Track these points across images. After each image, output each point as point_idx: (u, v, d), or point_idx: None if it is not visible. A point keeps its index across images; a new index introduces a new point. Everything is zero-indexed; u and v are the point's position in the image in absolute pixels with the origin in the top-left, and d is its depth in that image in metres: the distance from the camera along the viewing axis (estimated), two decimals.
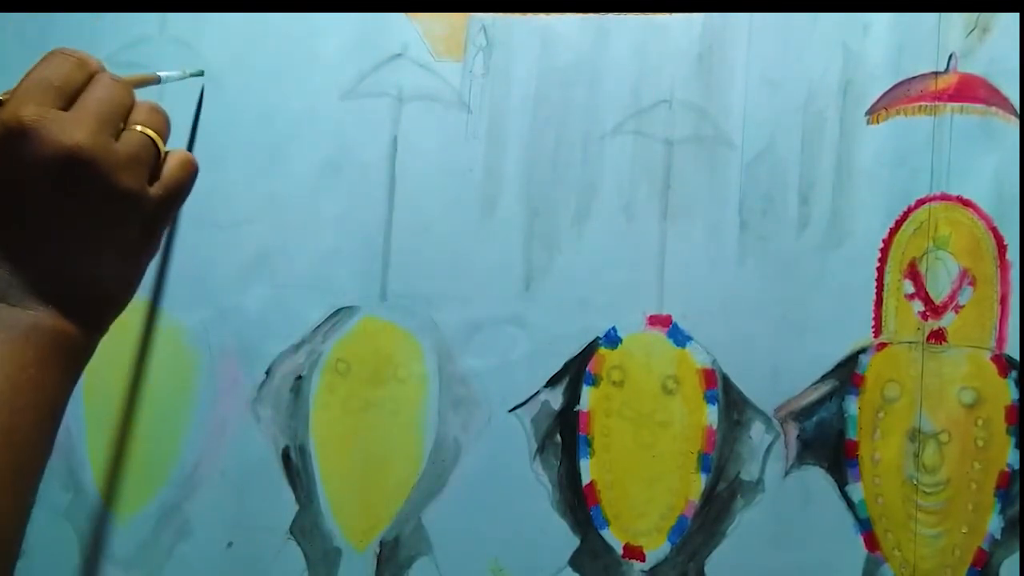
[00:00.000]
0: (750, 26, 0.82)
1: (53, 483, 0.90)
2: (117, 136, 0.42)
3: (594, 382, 0.82)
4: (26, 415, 0.39)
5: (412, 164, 0.87)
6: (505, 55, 0.86)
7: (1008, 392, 0.75)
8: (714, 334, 0.80)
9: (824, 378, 0.78)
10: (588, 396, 0.82)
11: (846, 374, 0.78)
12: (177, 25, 0.91)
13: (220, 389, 0.88)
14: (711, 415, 0.80)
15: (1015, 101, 0.76)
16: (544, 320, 0.83)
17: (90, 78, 0.42)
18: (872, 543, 0.77)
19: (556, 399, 0.83)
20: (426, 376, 0.85)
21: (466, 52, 0.86)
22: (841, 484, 0.77)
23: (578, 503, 0.82)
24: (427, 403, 0.85)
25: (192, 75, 0.48)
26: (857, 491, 0.77)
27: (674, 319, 0.81)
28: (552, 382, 0.83)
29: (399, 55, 0.88)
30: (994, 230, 0.76)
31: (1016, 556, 0.74)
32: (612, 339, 0.82)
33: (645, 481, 0.81)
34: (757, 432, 0.79)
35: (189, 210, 0.90)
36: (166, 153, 0.45)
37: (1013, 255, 0.76)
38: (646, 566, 0.80)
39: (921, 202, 0.78)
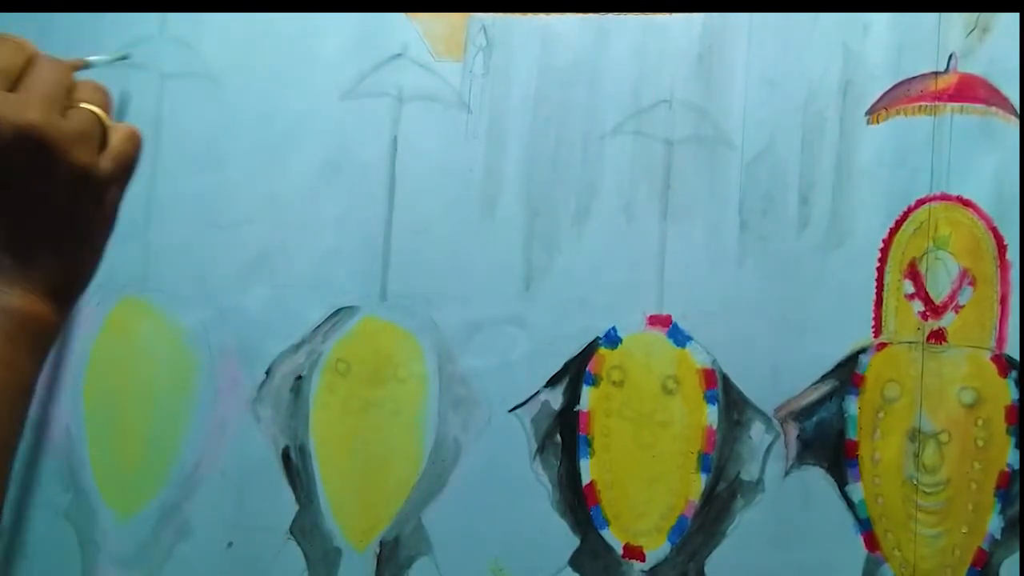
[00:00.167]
0: (750, 26, 0.82)
1: (53, 483, 0.90)
2: (64, 114, 0.43)
3: (594, 382, 0.82)
4: None
5: (412, 164, 0.87)
6: (505, 55, 0.86)
7: (1008, 392, 0.75)
8: (714, 334, 0.80)
9: (824, 378, 0.78)
10: (588, 396, 0.82)
11: (846, 374, 0.78)
12: (177, 25, 0.91)
13: (220, 389, 0.88)
14: (711, 415, 0.80)
15: (1015, 101, 0.76)
16: (544, 320, 0.83)
17: (29, 61, 0.43)
18: (872, 543, 0.77)
19: (556, 399, 0.83)
20: (426, 376, 0.85)
21: (466, 52, 0.86)
22: (841, 484, 0.77)
23: (578, 503, 0.82)
24: (427, 403, 0.85)
25: (118, 59, 0.49)
26: (857, 491, 0.77)
27: (674, 319, 0.81)
28: (552, 382, 0.83)
29: (399, 55, 0.88)
30: (994, 230, 0.76)
31: (1016, 556, 0.74)
32: (612, 339, 0.82)
33: (645, 481, 0.81)
34: (757, 432, 0.79)
35: (189, 210, 0.90)
36: (111, 127, 0.46)
37: (1013, 255, 0.76)
38: (646, 566, 0.80)
39: (921, 202, 0.78)
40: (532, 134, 0.85)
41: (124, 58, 0.50)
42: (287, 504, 0.86)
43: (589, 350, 0.82)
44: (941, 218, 0.77)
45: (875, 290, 0.78)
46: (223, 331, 0.89)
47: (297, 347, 0.87)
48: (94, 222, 0.46)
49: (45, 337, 0.44)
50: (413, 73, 0.87)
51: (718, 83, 0.82)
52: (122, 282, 0.89)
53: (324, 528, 0.85)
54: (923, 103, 0.78)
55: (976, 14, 0.78)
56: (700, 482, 0.80)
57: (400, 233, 0.86)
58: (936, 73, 0.78)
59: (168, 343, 0.89)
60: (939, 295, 0.77)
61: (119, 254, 0.88)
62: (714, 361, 0.80)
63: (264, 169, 0.89)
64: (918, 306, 0.77)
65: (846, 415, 0.78)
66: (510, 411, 0.83)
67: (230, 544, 0.87)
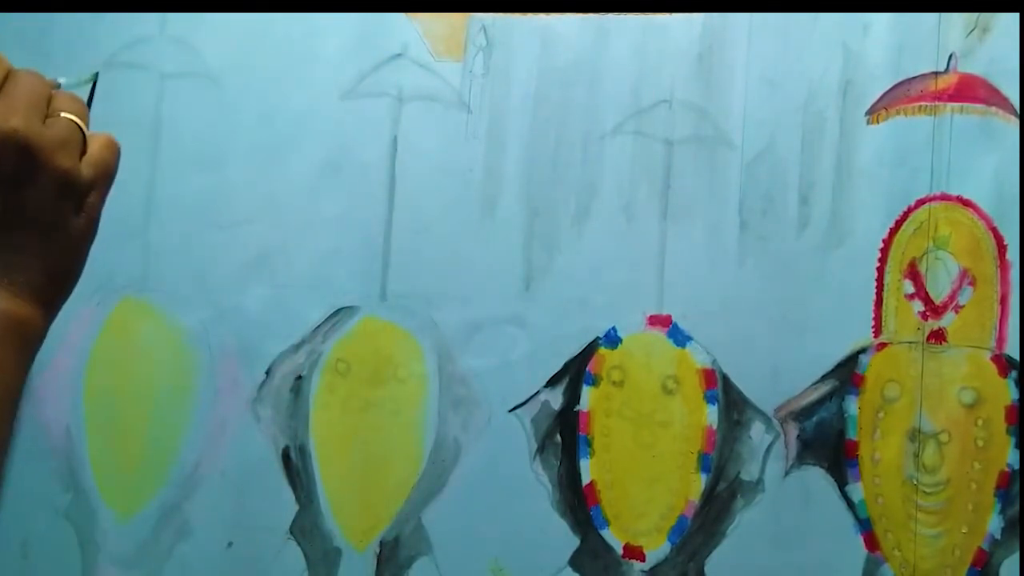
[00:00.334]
0: (750, 26, 0.82)
1: (53, 483, 0.90)
2: (44, 122, 0.44)
3: (594, 382, 0.82)
4: None
5: (412, 164, 0.87)
6: (505, 55, 0.86)
7: (1008, 392, 0.75)
8: (714, 334, 0.80)
9: (824, 378, 0.78)
10: (588, 396, 0.82)
11: (846, 374, 0.78)
12: (177, 25, 0.91)
13: (220, 389, 0.88)
14: (711, 415, 0.80)
15: (1015, 101, 0.76)
16: (544, 320, 0.83)
17: (7, 73, 0.44)
18: (872, 543, 0.77)
19: (556, 399, 0.83)
20: (426, 376, 0.85)
21: (466, 52, 0.86)
22: (841, 484, 0.77)
23: (578, 503, 0.82)
24: (427, 403, 0.85)
25: (86, 81, 0.50)
26: (857, 491, 0.77)
27: (674, 319, 0.81)
28: (552, 382, 0.83)
29: (399, 55, 0.88)
30: (994, 230, 0.76)
31: (1016, 556, 0.74)
32: (612, 339, 0.82)
33: (645, 481, 0.81)
34: (757, 432, 0.79)
35: (189, 210, 0.90)
36: (90, 135, 0.47)
37: (1013, 255, 0.76)
38: (646, 566, 0.80)
39: (921, 202, 0.78)
40: (532, 134, 0.85)
41: (93, 79, 0.51)
42: (287, 504, 0.86)
43: (589, 350, 0.82)
44: (941, 218, 0.77)
45: (875, 290, 0.78)
46: (223, 331, 0.89)
47: (297, 347, 0.87)
48: (77, 226, 0.47)
49: (30, 339, 0.44)
50: (413, 73, 0.87)
51: (718, 83, 0.82)
52: (122, 282, 0.89)
53: (324, 528, 0.85)
54: (923, 103, 0.78)
55: (976, 14, 0.78)
56: (700, 482, 0.80)
57: (400, 233, 0.86)
58: (936, 73, 0.78)
59: (168, 343, 0.89)
60: (939, 295, 0.77)
61: (119, 254, 0.89)
62: (714, 361, 0.80)
63: (264, 169, 0.89)
64: (918, 306, 0.77)
65: (846, 415, 0.78)
66: (510, 411, 0.83)
67: (230, 544, 0.87)
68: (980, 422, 0.75)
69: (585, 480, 0.82)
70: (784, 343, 0.79)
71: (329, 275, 0.87)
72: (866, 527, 0.77)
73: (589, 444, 0.82)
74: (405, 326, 0.86)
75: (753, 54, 0.81)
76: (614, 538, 0.81)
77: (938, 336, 0.76)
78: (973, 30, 0.78)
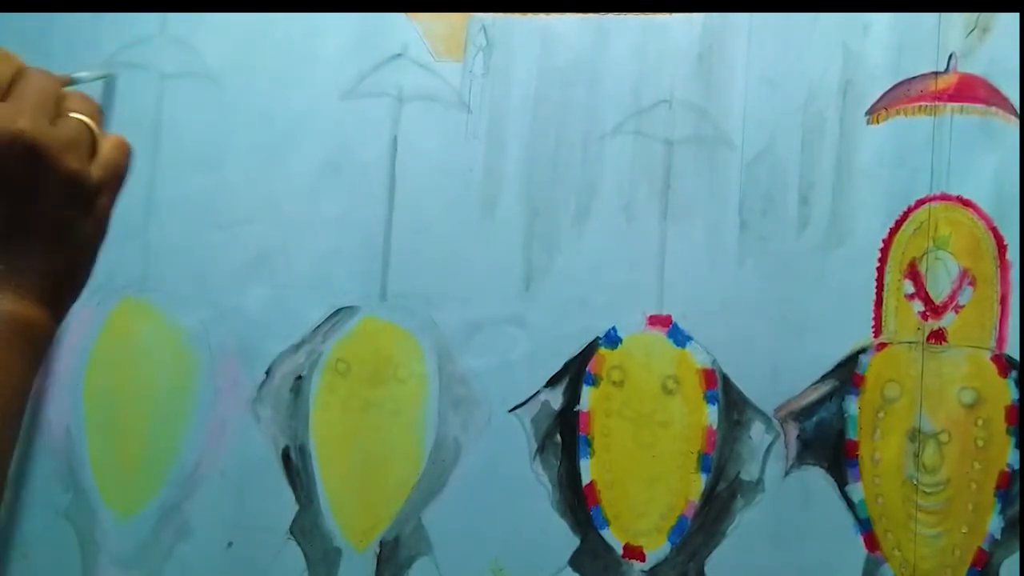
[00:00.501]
0: (750, 26, 0.82)
1: (53, 483, 0.90)
2: (53, 123, 0.44)
3: (594, 382, 0.82)
4: None
5: (412, 164, 0.87)
6: (505, 55, 0.86)
7: (1008, 392, 0.75)
8: (714, 334, 0.80)
9: (824, 378, 0.78)
10: (588, 396, 0.82)
11: (846, 374, 0.78)
12: (177, 25, 0.91)
13: (220, 389, 0.88)
14: (711, 415, 0.80)
15: (1015, 101, 0.76)
16: (544, 320, 0.83)
17: (18, 71, 0.44)
18: (872, 543, 0.77)
19: (556, 399, 0.83)
20: (426, 376, 0.85)
21: (466, 52, 0.86)
22: (841, 484, 0.77)
23: (578, 503, 0.82)
24: (427, 403, 0.85)
25: (103, 77, 0.49)
26: (857, 491, 0.77)
27: (674, 319, 0.81)
28: (552, 382, 0.83)
29: (399, 55, 0.88)
30: (994, 230, 0.76)
31: (1016, 556, 0.74)
32: (612, 339, 0.82)
33: (645, 481, 0.81)
34: (757, 432, 0.79)
35: (189, 210, 0.90)
36: (101, 136, 0.47)
37: (1013, 255, 0.76)
38: (646, 566, 0.80)
39: (921, 202, 0.77)
40: (532, 134, 0.85)
41: (109, 75, 0.50)
42: (287, 504, 0.86)
43: (589, 350, 0.82)
44: (941, 218, 0.77)
45: (875, 290, 0.78)
46: (223, 331, 0.89)
47: (297, 347, 0.87)
48: (85, 229, 0.46)
49: (39, 342, 0.44)
50: (413, 73, 0.87)
51: (718, 83, 0.82)
52: (122, 282, 0.89)
53: (324, 528, 0.85)
54: (923, 103, 0.78)
55: (976, 14, 0.78)
56: (700, 482, 0.80)
57: (400, 233, 0.86)
58: (936, 73, 0.78)
59: (168, 343, 0.89)
60: (939, 295, 0.77)
61: (119, 254, 0.89)
62: (714, 361, 0.80)
63: (264, 169, 0.89)
64: (918, 306, 0.77)
65: (846, 415, 0.78)
66: (510, 411, 0.83)
67: (230, 544, 0.87)
68: (980, 422, 0.75)
69: (585, 480, 0.82)
70: (784, 343, 0.79)
71: (329, 275, 0.87)
72: (866, 527, 0.77)
73: (589, 444, 0.82)
74: (405, 326, 0.86)
75: (753, 54, 0.81)
76: (614, 538, 0.81)
77: (938, 336, 0.76)
78: (973, 30, 0.78)
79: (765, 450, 0.79)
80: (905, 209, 0.78)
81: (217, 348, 0.89)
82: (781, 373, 0.79)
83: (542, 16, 0.85)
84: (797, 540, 0.77)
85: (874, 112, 0.79)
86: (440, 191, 0.86)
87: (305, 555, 0.85)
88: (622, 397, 0.82)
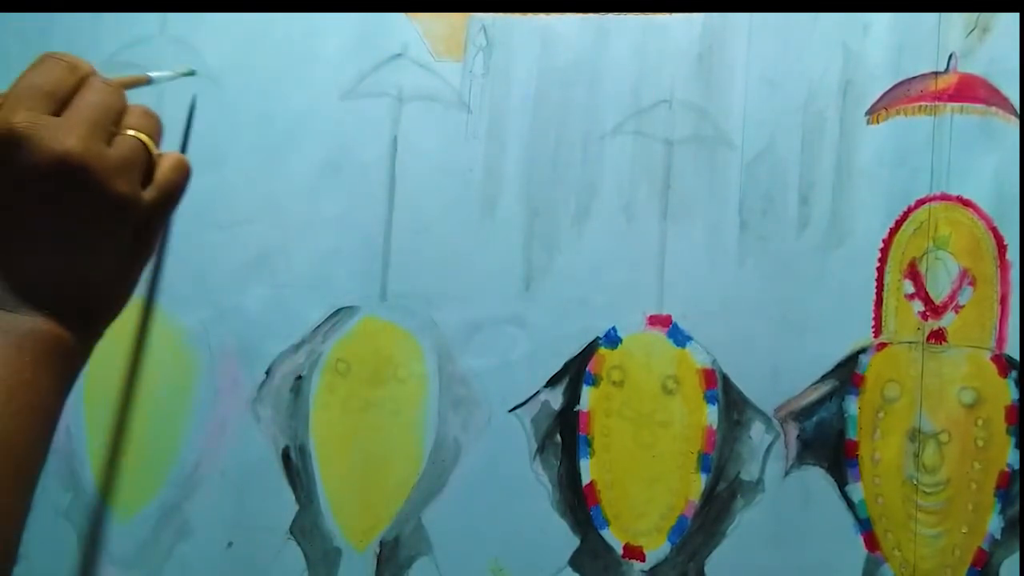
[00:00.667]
0: (750, 26, 0.82)
1: (53, 483, 0.90)
2: (109, 140, 0.42)
3: (594, 382, 0.82)
4: (22, 419, 0.39)
5: (412, 164, 0.87)
6: (505, 55, 0.86)
7: (1008, 392, 0.75)
8: (714, 334, 0.80)
9: (824, 378, 0.78)
10: (588, 396, 0.82)
11: (846, 374, 0.78)
12: (177, 25, 0.91)
13: (220, 389, 0.88)
14: (711, 415, 0.80)
15: (1015, 101, 0.76)
16: (544, 320, 0.83)
17: (81, 82, 0.42)
18: (872, 543, 0.77)
19: (556, 399, 0.83)
20: (426, 376, 0.85)
21: (466, 52, 0.86)
22: (841, 484, 0.77)
23: (578, 503, 0.82)
24: (427, 403, 0.85)
25: (183, 74, 0.47)
26: (857, 491, 0.77)
27: (674, 319, 0.81)
28: (552, 382, 0.83)
29: (399, 55, 0.88)
30: (994, 230, 0.76)
31: (1016, 556, 0.74)
32: (612, 339, 0.82)
33: (645, 481, 0.81)
34: (757, 432, 0.79)
35: (189, 210, 0.90)
36: (159, 156, 0.45)
37: (1013, 255, 0.76)
38: (646, 566, 0.80)
39: (921, 202, 0.78)
40: (532, 134, 0.85)
41: (190, 73, 0.49)
42: (287, 504, 0.86)
43: (589, 350, 0.82)
44: (941, 218, 0.77)
45: (875, 290, 0.78)
46: (223, 331, 0.89)
47: (297, 347, 0.87)
48: (130, 252, 0.45)
49: (71, 362, 0.43)
50: (413, 73, 0.87)
51: (718, 83, 0.82)
52: None
53: (324, 528, 0.85)
54: (923, 103, 0.78)
55: (976, 14, 0.78)
56: (700, 482, 0.80)
57: (400, 233, 0.86)
58: (936, 73, 0.78)
59: (168, 343, 0.89)
60: (939, 295, 0.77)
61: None
62: (714, 361, 0.80)
63: (264, 169, 0.89)
64: (918, 306, 0.77)
65: (846, 415, 0.78)
66: (510, 411, 0.83)
67: (230, 544, 0.87)
68: (980, 422, 0.75)
69: (585, 480, 0.82)
70: (784, 343, 0.79)
71: (329, 275, 0.87)
72: (866, 527, 0.77)
73: (589, 444, 0.82)
74: (405, 326, 0.86)
75: (753, 54, 0.81)
76: (614, 538, 0.81)
77: (938, 336, 0.76)
78: (973, 30, 0.78)
79: (765, 450, 0.79)
80: (905, 209, 0.78)
81: (217, 348, 0.89)
82: (781, 373, 0.79)
83: (542, 16, 0.85)
84: (797, 540, 0.77)
85: (874, 112, 0.79)
86: (440, 191, 0.86)
87: (305, 555, 0.85)
88: (622, 397, 0.82)
